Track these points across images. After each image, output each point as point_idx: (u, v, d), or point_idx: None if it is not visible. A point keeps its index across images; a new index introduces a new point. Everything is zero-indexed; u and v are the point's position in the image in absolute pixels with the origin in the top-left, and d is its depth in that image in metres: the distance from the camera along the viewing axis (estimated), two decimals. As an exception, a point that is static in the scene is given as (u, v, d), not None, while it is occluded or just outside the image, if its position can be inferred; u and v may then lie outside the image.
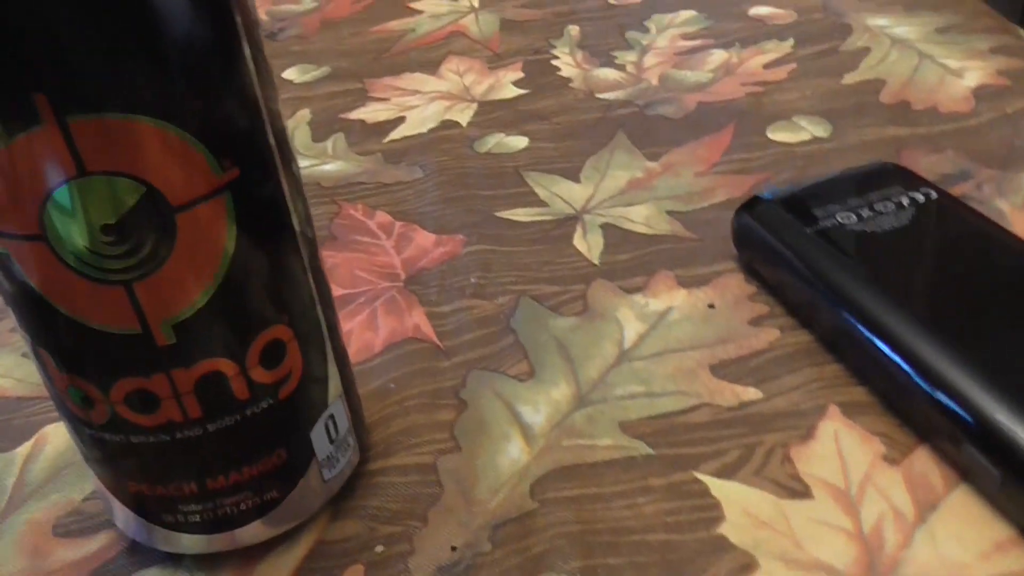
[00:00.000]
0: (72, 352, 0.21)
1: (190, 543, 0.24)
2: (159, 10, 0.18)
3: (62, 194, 0.19)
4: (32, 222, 0.19)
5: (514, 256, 0.35)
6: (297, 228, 0.22)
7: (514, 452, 0.27)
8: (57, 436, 0.30)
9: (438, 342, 0.32)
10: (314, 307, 0.23)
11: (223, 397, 0.22)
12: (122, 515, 0.25)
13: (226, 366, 0.22)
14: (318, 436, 0.24)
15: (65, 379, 0.22)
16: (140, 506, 0.24)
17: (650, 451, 0.26)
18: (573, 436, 0.27)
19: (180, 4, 0.18)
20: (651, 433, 0.27)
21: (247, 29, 0.20)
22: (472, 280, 0.34)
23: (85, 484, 0.28)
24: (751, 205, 0.33)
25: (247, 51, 0.20)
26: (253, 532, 0.24)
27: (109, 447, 0.23)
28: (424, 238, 0.37)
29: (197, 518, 0.24)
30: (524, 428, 0.28)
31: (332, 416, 0.25)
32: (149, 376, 0.21)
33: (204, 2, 0.19)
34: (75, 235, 0.19)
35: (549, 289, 0.33)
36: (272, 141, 0.21)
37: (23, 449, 0.30)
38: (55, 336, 0.21)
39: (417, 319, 0.33)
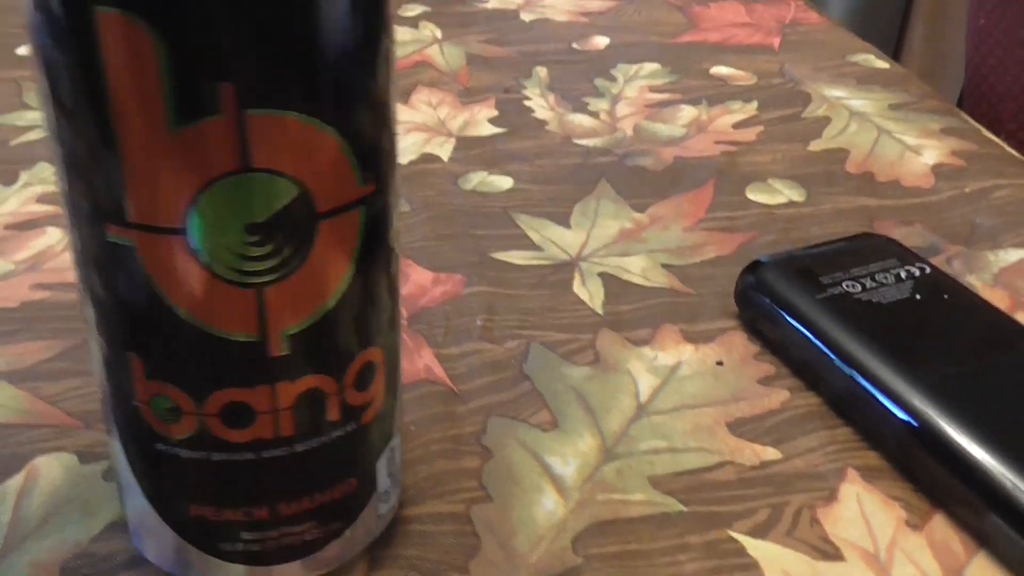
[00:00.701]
0: (173, 358, 0.20)
1: None
2: (341, 19, 0.18)
3: (219, 188, 0.18)
4: (176, 215, 0.18)
5: (517, 300, 0.35)
6: (398, 244, 0.23)
7: (549, 505, 0.27)
8: (50, 469, 0.28)
9: (452, 385, 0.31)
10: (396, 330, 0.23)
11: (317, 417, 0.22)
12: (163, 544, 0.23)
13: (327, 384, 0.21)
14: (381, 467, 0.24)
15: (152, 388, 0.21)
16: (196, 532, 0.23)
17: (683, 508, 0.27)
18: (606, 491, 0.28)
19: (356, 19, 0.19)
20: (681, 489, 0.28)
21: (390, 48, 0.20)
22: (478, 322, 0.34)
23: (91, 522, 0.26)
24: (753, 268, 0.34)
25: (392, 69, 0.20)
26: (309, 565, 0.23)
27: (181, 465, 0.22)
28: (421, 275, 0.37)
29: (257, 547, 0.23)
30: (555, 480, 0.28)
31: (394, 448, 0.24)
32: (253, 387, 0.20)
33: (374, 21, 0.19)
34: (219, 232, 0.19)
35: (557, 336, 0.34)
36: (396, 148, 0.21)
37: (14, 482, 0.28)
38: (158, 340, 0.20)
39: (427, 360, 0.32)
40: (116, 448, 0.23)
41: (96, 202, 0.19)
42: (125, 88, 0.17)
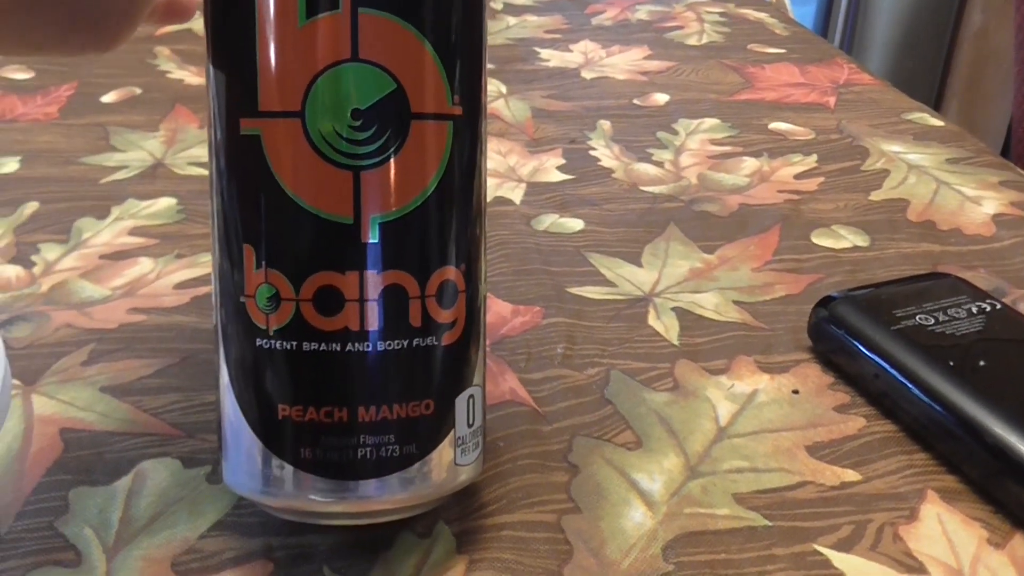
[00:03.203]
0: (279, 241, 0.23)
1: (316, 496, 0.24)
2: None
3: (331, 75, 0.22)
4: (297, 99, 0.22)
5: (595, 331, 0.37)
6: (484, 188, 0.25)
7: (637, 517, 0.28)
8: (157, 472, 0.30)
9: (537, 407, 0.33)
10: (480, 267, 0.25)
11: (400, 316, 0.23)
12: (249, 459, 0.24)
13: (410, 284, 0.23)
14: (460, 408, 0.25)
15: (259, 277, 0.23)
16: (279, 437, 0.24)
17: (767, 523, 0.28)
18: (693, 505, 0.28)
19: None
20: (764, 506, 0.28)
21: None
22: (559, 350, 0.36)
23: (198, 521, 0.28)
24: (826, 303, 0.35)
25: (485, 18, 0.25)
26: (382, 490, 0.24)
27: (276, 359, 0.23)
28: (501, 307, 0.38)
29: (336, 456, 0.23)
30: (643, 494, 0.29)
31: (472, 397, 0.25)
32: (344, 272, 0.23)
33: None
34: (328, 114, 0.22)
35: (636, 365, 0.35)
36: (485, 100, 0.25)
37: (123, 483, 0.29)
38: (269, 224, 0.23)
39: (512, 383, 0.34)
40: (220, 361, 0.25)
41: (233, 97, 0.23)
42: None
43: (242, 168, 0.23)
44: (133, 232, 0.43)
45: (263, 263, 0.23)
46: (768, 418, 0.32)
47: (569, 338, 0.36)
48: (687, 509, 0.28)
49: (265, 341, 0.23)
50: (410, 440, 0.24)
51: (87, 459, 0.30)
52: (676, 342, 0.36)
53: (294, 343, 0.23)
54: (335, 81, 0.22)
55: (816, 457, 0.30)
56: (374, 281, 0.23)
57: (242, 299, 0.24)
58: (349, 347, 0.23)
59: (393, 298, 0.23)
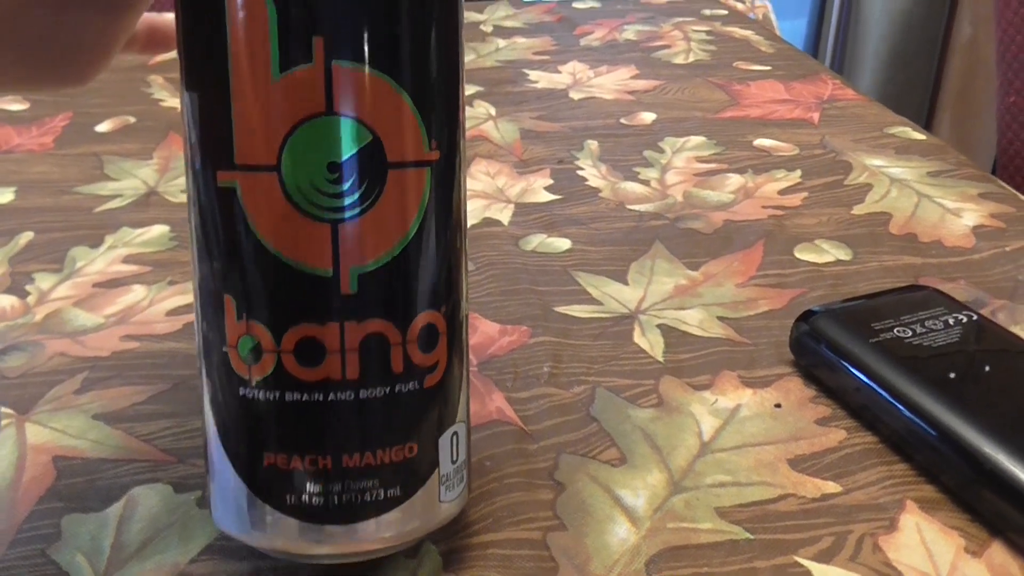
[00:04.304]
0: (259, 295, 0.23)
1: (302, 539, 0.24)
2: (419, 7, 0.23)
3: (306, 128, 0.22)
4: (272, 153, 0.22)
5: (581, 349, 0.37)
6: (464, 227, 0.25)
7: (621, 532, 0.28)
8: (148, 498, 0.30)
9: (523, 426, 0.33)
10: (461, 307, 0.26)
11: (381, 363, 0.24)
12: (235, 502, 0.25)
13: (391, 331, 0.24)
14: (444, 447, 0.25)
15: (241, 328, 0.23)
16: (266, 484, 0.24)
17: (749, 536, 0.28)
18: (676, 519, 0.29)
19: (435, 14, 0.23)
20: (747, 519, 0.29)
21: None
22: (545, 369, 0.36)
23: (189, 546, 0.28)
24: (807, 317, 0.36)
25: (462, 56, 0.24)
26: (368, 532, 0.24)
27: (259, 408, 0.24)
28: (488, 327, 0.39)
29: (320, 501, 0.24)
30: (627, 510, 0.29)
31: (456, 434, 0.26)
32: (324, 323, 0.23)
33: (449, 4, 0.23)
34: (304, 169, 0.22)
35: (621, 382, 0.35)
36: (463, 141, 0.25)
37: (114, 510, 0.30)
38: (248, 276, 0.23)
39: (499, 403, 0.34)
40: (205, 405, 0.25)
41: (209, 150, 0.23)
42: (241, 43, 0.22)
43: (220, 219, 0.23)
44: (127, 260, 0.44)
45: (244, 314, 0.23)
46: (751, 432, 0.33)
47: (555, 357, 0.37)
48: (670, 524, 0.29)
49: (248, 391, 0.24)
50: (394, 483, 0.25)
51: (79, 486, 0.30)
52: (661, 359, 0.37)
53: (277, 393, 0.23)
54: (311, 135, 0.22)
55: (798, 470, 0.31)
56: (354, 331, 0.23)
57: (224, 349, 0.24)
58: (332, 396, 0.23)
59: (374, 347, 0.23)
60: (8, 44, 0.23)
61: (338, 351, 0.23)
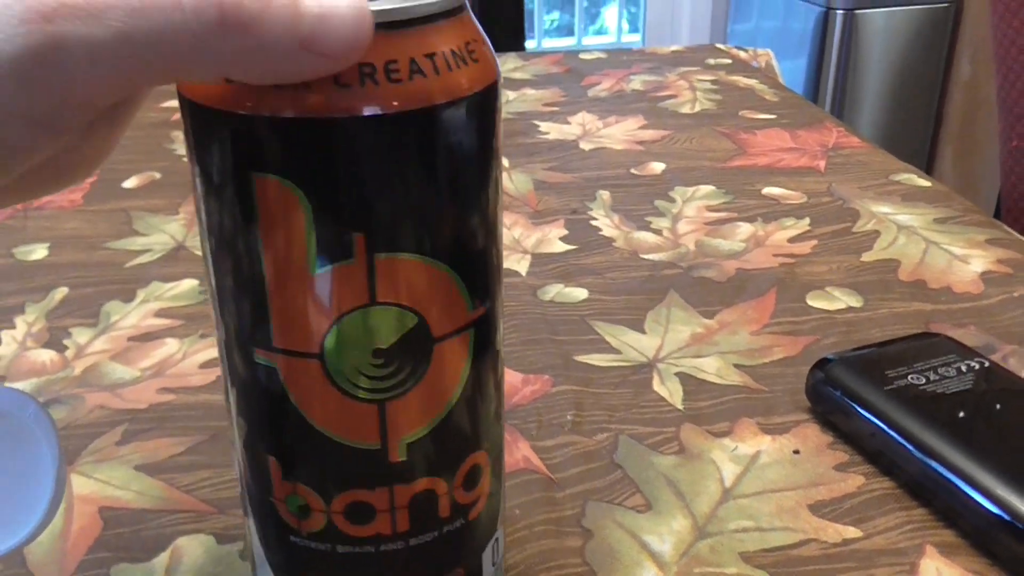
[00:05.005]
0: (306, 462, 0.23)
1: None
2: (456, 183, 0.21)
3: (350, 320, 0.21)
4: (315, 342, 0.21)
5: (602, 397, 0.38)
6: (501, 367, 0.25)
7: (650, 577, 0.29)
8: (192, 549, 0.31)
9: (550, 474, 0.34)
10: (500, 427, 0.26)
11: (429, 514, 0.24)
12: None
13: (439, 485, 0.24)
14: (486, 558, 0.26)
15: (288, 487, 0.24)
16: None
17: (774, 580, 0.29)
18: (702, 564, 0.30)
19: (470, 183, 0.22)
20: (770, 564, 0.30)
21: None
22: (568, 417, 0.37)
23: (233, 595, 0.29)
24: (822, 365, 0.37)
25: (500, 215, 0.24)
26: None
27: (310, 556, 0.24)
28: (511, 376, 0.40)
29: None
30: (654, 556, 0.30)
31: (497, 539, 0.27)
32: (374, 489, 0.23)
33: (485, 183, 0.22)
34: (350, 356, 0.22)
35: (643, 429, 0.36)
36: (501, 285, 0.25)
37: (161, 560, 0.31)
38: (294, 447, 0.23)
39: (525, 452, 0.35)
40: (254, 539, 0.26)
41: (246, 330, 0.22)
42: (276, 238, 0.21)
43: (259, 390, 0.23)
44: (159, 314, 0.45)
45: (290, 476, 0.23)
46: (771, 478, 0.34)
47: (578, 405, 0.38)
48: (696, 569, 0.30)
49: (299, 540, 0.24)
50: None
51: (126, 536, 0.32)
52: (680, 406, 0.38)
53: (328, 545, 0.24)
54: (354, 326, 0.21)
55: (818, 515, 0.32)
56: (404, 492, 0.23)
57: (271, 499, 0.24)
58: (383, 547, 0.24)
59: (423, 501, 0.24)
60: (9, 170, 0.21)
61: (388, 511, 0.24)
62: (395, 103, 0.20)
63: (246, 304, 0.22)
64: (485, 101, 0.21)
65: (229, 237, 0.21)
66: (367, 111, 0.19)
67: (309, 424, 0.23)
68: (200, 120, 0.21)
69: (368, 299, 0.21)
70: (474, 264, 0.23)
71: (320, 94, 0.19)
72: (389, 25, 0.20)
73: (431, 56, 0.20)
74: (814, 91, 2.10)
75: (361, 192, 0.20)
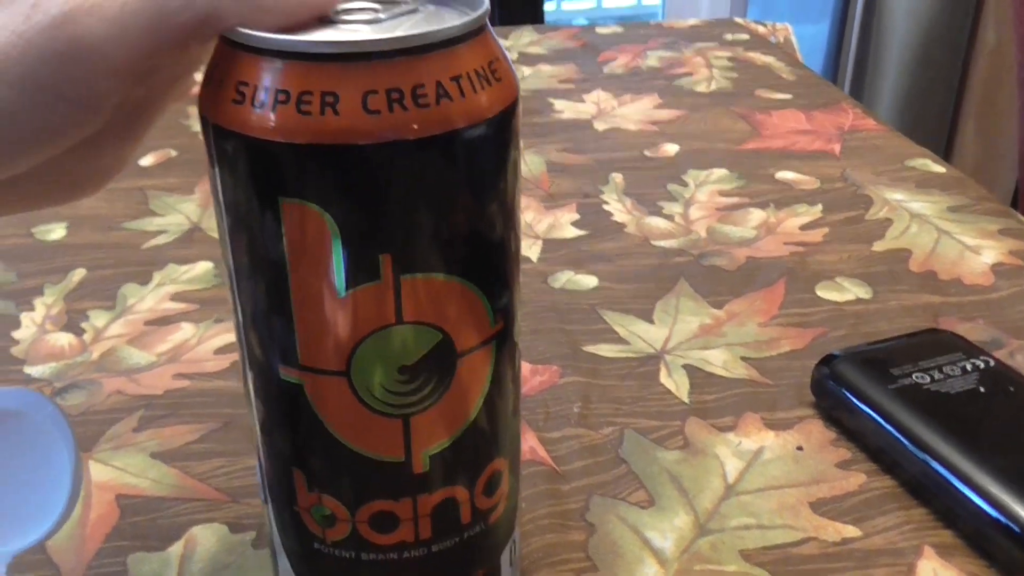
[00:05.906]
0: (331, 475, 0.24)
1: None
2: (479, 205, 0.22)
3: (376, 339, 0.22)
4: (342, 360, 0.22)
5: (609, 390, 0.39)
6: (519, 373, 0.26)
7: (650, 574, 0.30)
8: (206, 538, 0.32)
9: (555, 466, 0.35)
10: (519, 440, 0.27)
11: (451, 521, 0.25)
12: None
13: (460, 493, 0.25)
14: (504, 559, 0.27)
15: (312, 498, 0.24)
16: None
17: (773, 579, 0.30)
18: (702, 561, 0.31)
19: (492, 205, 0.22)
20: (770, 562, 0.31)
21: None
22: (575, 409, 0.38)
23: (246, 585, 0.30)
24: (828, 361, 0.37)
25: (519, 232, 0.24)
26: None
27: (335, 563, 0.25)
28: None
29: None
30: (655, 552, 0.31)
31: (515, 540, 0.28)
32: (398, 499, 0.24)
33: (506, 206, 0.23)
34: (376, 373, 0.22)
35: (649, 423, 0.37)
36: (518, 296, 0.25)
37: (175, 549, 0.32)
38: (319, 460, 0.24)
39: (532, 443, 0.36)
40: (278, 545, 0.26)
41: (271, 348, 0.23)
42: (303, 261, 0.21)
43: (284, 406, 0.23)
44: (174, 298, 0.46)
45: (315, 488, 0.24)
46: (774, 475, 0.34)
47: (585, 397, 0.39)
48: (697, 566, 0.30)
49: (323, 547, 0.25)
50: None
51: (142, 525, 0.32)
52: (686, 400, 0.38)
53: (352, 552, 0.25)
54: (380, 344, 0.22)
55: (819, 513, 0.33)
56: (426, 502, 0.24)
57: (295, 508, 0.25)
58: (406, 554, 0.25)
59: (446, 509, 0.25)
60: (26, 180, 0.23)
61: (411, 519, 0.24)
62: (423, 128, 0.20)
63: (273, 324, 0.22)
64: (507, 119, 0.22)
65: (256, 260, 0.22)
66: (396, 137, 0.20)
67: (334, 438, 0.23)
68: (228, 146, 0.21)
69: (394, 318, 0.22)
70: (496, 279, 0.23)
71: (349, 120, 0.20)
72: (417, 50, 0.20)
73: (456, 79, 0.20)
74: (836, 57, 2.07)
75: (389, 215, 0.21)
